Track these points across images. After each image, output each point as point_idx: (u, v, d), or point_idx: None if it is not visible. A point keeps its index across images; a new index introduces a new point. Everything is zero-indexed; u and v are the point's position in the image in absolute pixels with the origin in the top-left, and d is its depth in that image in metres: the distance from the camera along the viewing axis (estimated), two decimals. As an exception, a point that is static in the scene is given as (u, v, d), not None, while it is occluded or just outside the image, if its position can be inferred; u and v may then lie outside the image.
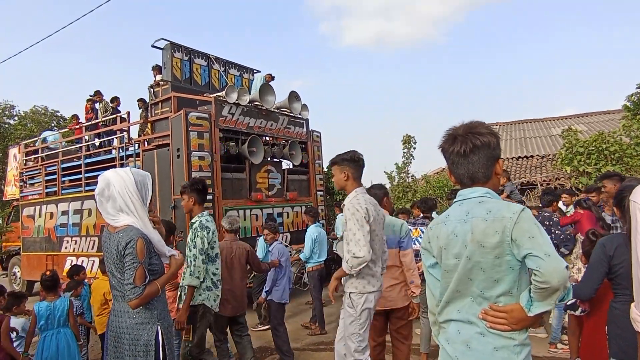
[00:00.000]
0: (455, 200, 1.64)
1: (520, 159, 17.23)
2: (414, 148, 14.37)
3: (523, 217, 1.42)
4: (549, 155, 16.40)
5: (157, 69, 7.76)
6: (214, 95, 6.92)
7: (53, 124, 24.10)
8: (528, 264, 1.39)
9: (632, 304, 1.46)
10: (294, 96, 7.81)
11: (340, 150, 2.99)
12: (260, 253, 5.94)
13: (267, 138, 7.99)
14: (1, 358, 3.31)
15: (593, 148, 11.47)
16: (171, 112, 6.83)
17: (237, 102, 6.91)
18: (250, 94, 7.50)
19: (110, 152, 8.11)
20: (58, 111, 25.86)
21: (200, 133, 6.45)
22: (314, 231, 5.81)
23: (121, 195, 2.27)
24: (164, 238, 2.47)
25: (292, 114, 8.01)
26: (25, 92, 51.95)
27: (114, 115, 8.45)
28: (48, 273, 3.84)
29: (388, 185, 13.75)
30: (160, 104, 7.22)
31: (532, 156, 17.20)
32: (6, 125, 24.11)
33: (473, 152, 1.54)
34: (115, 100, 9.20)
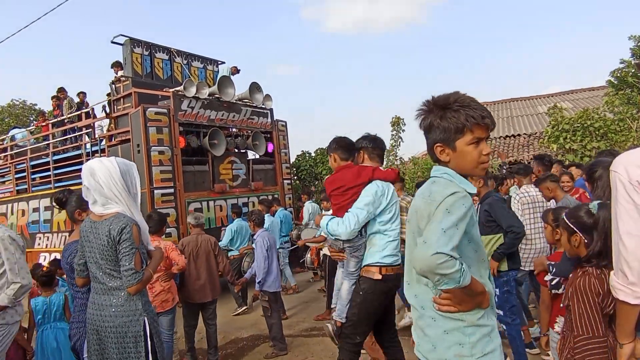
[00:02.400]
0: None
1: (508, 137, 17.64)
2: (403, 130, 14.73)
3: (446, 201, 1.41)
4: (535, 133, 16.82)
5: (117, 65, 8.10)
6: (173, 89, 7.30)
7: (31, 118, 24.32)
8: None
9: (612, 272, 1.53)
10: (255, 87, 8.17)
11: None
12: (225, 240, 6.49)
13: (232, 130, 8.37)
14: (12, 350, 3.40)
15: (578, 125, 11.80)
16: (132, 107, 7.21)
17: (196, 95, 7.29)
18: (216, 85, 7.86)
19: (78, 148, 8.52)
20: (36, 104, 26.06)
21: (159, 128, 6.85)
22: (236, 224, 6.56)
23: (106, 185, 2.33)
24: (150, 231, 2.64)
25: (254, 105, 8.41)
26: (2, 86, 51.85)
27: (80, 112, 8.82)
28: (44, 269, 3.96)
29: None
30: (122, 100, 7.60)
31: (519, 135, 17.62)
32: (-18, 120, 24.33)
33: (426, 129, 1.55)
34: (81, 94, 9.57)
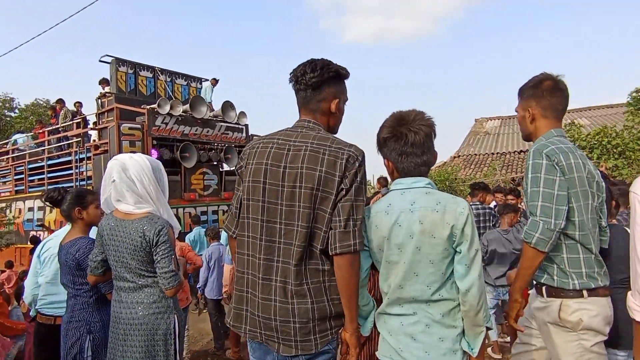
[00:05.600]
0: (394, 188, 1.71)
1: (522, 152, 18.01)
2: None
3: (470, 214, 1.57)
4: (550, 150, 17.15)
5: (104, 82, 9.35)
6: (148, 107, 8.44)
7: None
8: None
9: (629, 293, 1.55)
10: (228, 105, 9.21)
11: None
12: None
13: (206, 144, 9.41)
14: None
15: (595, 142, 12.10)
16: (113, 121, 8.40)
17: (169, 112, 8.41)
18: (206, 100, 8.97)
19: (69, 154, 9.81)
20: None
21: (132, 142, 7.97)
22: (195, 232, 7.57)
23: (139, 181, 2.30)
24: None
25: (230, 122, 9.47)
26: (27, 85, 55.61)
27: (72, 122, 10.14)
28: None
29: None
30: (106, 113, 8.82)
31: (533, 151, 17.99)
32: (7, 118, 26.67)
33: (424, 142, 1.66)
34: (77, 104, 10.93)
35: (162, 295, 2.29)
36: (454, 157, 18.56)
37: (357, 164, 1.66)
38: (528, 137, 2.22)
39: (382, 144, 1.72)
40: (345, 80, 1.90)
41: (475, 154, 18.65)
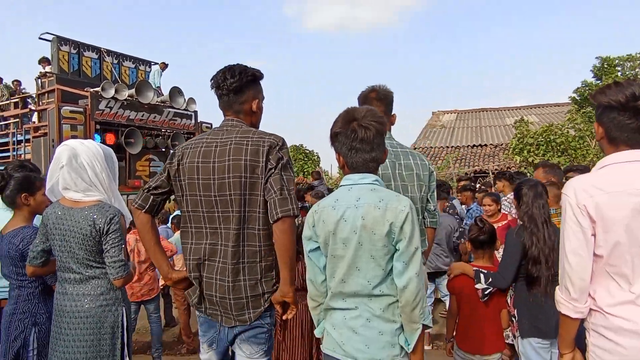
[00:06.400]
0: (343, 184, 1.75)
1: (475, 147, 18.65)
2: None
3: (413, 211, 1.63)
4: (501, 145, 17.84)
5: (45, 61, 8.98)
6: (92, 90, 8.21)
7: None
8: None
9: (557, 287, 1.67)
10: (176, 91, 9.07)
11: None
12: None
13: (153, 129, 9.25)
14: None
15: (542, 139, 12.75)
16: (54, 104, 8.12)
17: (114, 96, 8.21)
18: (153, 84, 8.78)
19: (6, 135, 9.41)
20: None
21: (73, 126, 7.74)
22: None
23: (90, 168, 2.25)
24: None
25: (178, 107, 9.34)
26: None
27: (9, 101, 9.71)
28: None
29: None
30: (46, 94, 8.50)
31: (486, 145, 18.66)
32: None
33: (374, 139, 1.68)
34: (15, 82, 10.44)
35: (110, 287, 2.26)
36: (410, 149, 18.96)
37: (277, 148, 1.90)
38: None
39: (334, 138, 1.76)
40: (260, 81, 2.11)
41: (431, 147, 19.15)
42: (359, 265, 1.64)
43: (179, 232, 5.25)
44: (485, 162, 16.47)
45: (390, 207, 1.60)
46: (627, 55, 14.13)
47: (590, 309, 1.61)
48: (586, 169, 4.01)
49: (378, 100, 2.45)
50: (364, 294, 1.66)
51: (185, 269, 2.08)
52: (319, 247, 1.73)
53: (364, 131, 1.67)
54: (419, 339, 1.67)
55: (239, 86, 1.99)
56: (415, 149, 18.74)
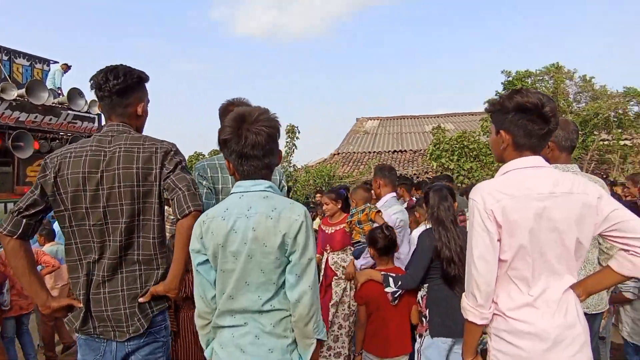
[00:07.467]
0: (233, 191, 1.63)
1: (396, 152, 19.20)
2: (297, 138, 15.75)
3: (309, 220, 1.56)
4: (420, 150, 18.53)
5: None
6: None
7: None
8: None
9: (463, 294, 1.65)
10: (76, 93, 8.33)
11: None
12: None
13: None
14: None
15: (457, 145, 13.37)
16: None
17: (0, 96, 7.28)
18: (51, 85, 7.90)
19: None
20: None
21: (-51, 126, 6.77)
22: None
23: None
24: None
25: (78, 110, 8.55)
26: None
27: None
28: None
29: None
30: None
31: (406, 151, 19.30)
32: None
33: (266, 144, 1.57)
34: None
35: None
36: (334, 155, 19.23)
37: (173, 153, 1.86)
38: None
39: (223, 145, 1.61)
40: (145, 84, 2.01)
41: (354, 152, 19.51)
42: (248, 279, 1.54)
43: (50, 244, 5.06)
44: (405, 167, 17.02)
45: (284, 217, 1.52)
46: (525, 70, 15.31)
47: (493, 314, 1.61)
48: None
49: None
50: (254, 310, 1.56)
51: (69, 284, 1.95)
52: (207, 259, 1.60)
53: (255, 136, 1.54)
54: (313, 354, 1.62)
55: (123, 88, 1.88)
56: (338, 154, 19.10)
